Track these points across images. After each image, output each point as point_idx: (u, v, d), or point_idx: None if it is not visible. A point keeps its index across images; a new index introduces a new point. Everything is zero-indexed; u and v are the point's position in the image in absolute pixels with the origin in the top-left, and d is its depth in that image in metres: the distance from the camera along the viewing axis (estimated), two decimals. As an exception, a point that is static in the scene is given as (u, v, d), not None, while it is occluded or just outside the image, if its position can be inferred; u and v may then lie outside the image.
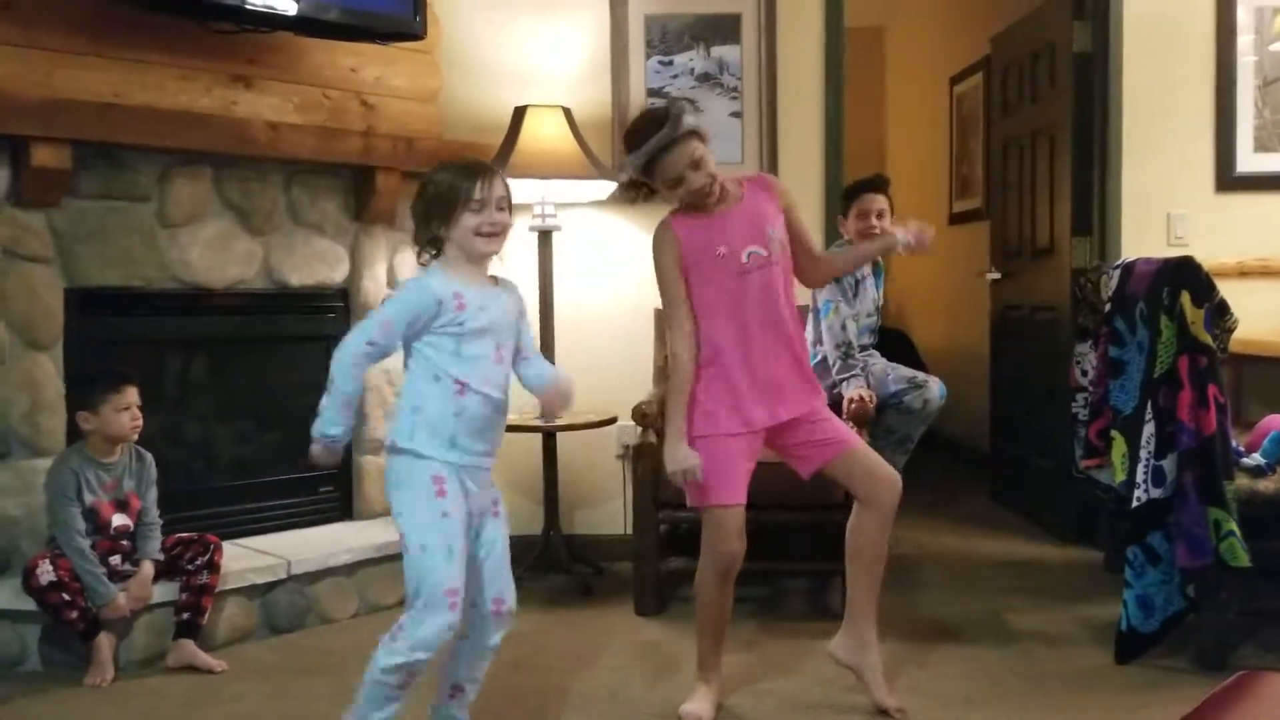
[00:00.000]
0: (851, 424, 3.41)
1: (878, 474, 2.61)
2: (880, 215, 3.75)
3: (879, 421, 3.60)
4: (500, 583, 2.32)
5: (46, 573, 2.81)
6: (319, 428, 2.21)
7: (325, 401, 2.21)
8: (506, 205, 2.26)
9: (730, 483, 2.56)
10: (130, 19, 3.16)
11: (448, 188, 2.22)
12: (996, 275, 4.95)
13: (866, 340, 3.80)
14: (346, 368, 2.20)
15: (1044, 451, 4.37)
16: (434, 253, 2.27)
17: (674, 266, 2.59)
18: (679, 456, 2.54)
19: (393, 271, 3.81)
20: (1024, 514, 4.65)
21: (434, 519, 2.18)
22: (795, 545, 3.47)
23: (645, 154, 2.51)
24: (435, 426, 2.20)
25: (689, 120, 2.51)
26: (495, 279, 2.33)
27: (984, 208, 5.54)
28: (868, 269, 3.80)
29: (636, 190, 2.64)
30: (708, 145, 2.55)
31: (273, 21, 3.31)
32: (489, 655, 2.36)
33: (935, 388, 3.75)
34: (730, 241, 2.56)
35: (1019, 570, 3.90)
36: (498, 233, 2.24)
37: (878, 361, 3.78)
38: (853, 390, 3.52)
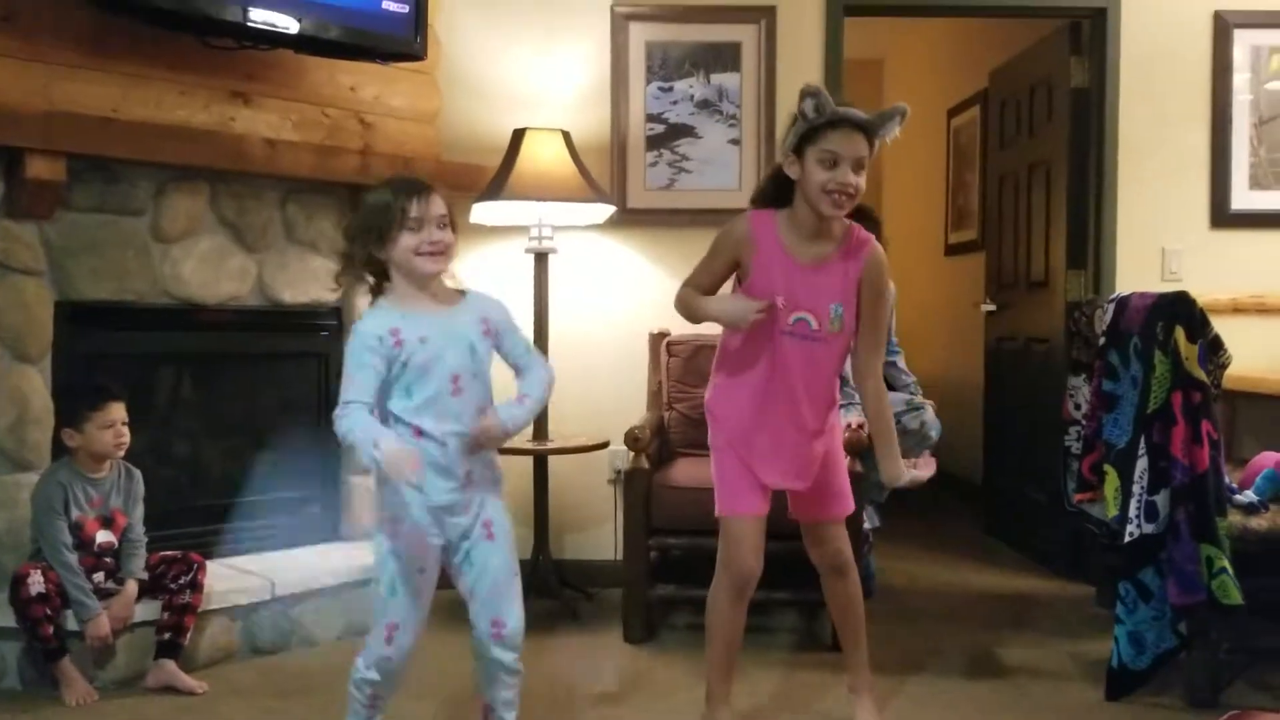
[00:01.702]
0: (848, 453, 3.40)
1: (835, 550, 2.59)
2: None
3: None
4: (499, 605, 2.26)
5: (37, 584, 2.78)
6: (365, 459, 2.05)
7: (357, 446, 2.07)
8: (448, 224, 2.19)
9: (742, 492, 2.45)
10: (131, 34, 3.16)
11: (383, 206, 2.15)
12: (991, 307, 4.95)
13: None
14: (339, 426, 2.10)
15: (1037, 484, 4.36)
16: (375, 281, 2.21)
17: (727, 253, 2.42)
18: (733, 304, 2.37)
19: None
20: (1016, 547, 4.63)
21: (384, 555, 2.21)
22: (783, 574, 3.44)
23: (832, 114, 2.27)
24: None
25: (893, 130, 2.32)
26: (461, 293, 2.26)
27: (980, 240, 5.55)
28: None
29: (773, 189, 2.42)
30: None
31: (274, 39, 3.32)
32: (505, 678, 2.30)
33: (931, 411, 3.74)
34: (793, 294, 2.37)
35: (1011, 603, 3.87)
36: (439, 251, 2.17)
37: None
38: (850, 418, 3.51)
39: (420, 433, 2.15)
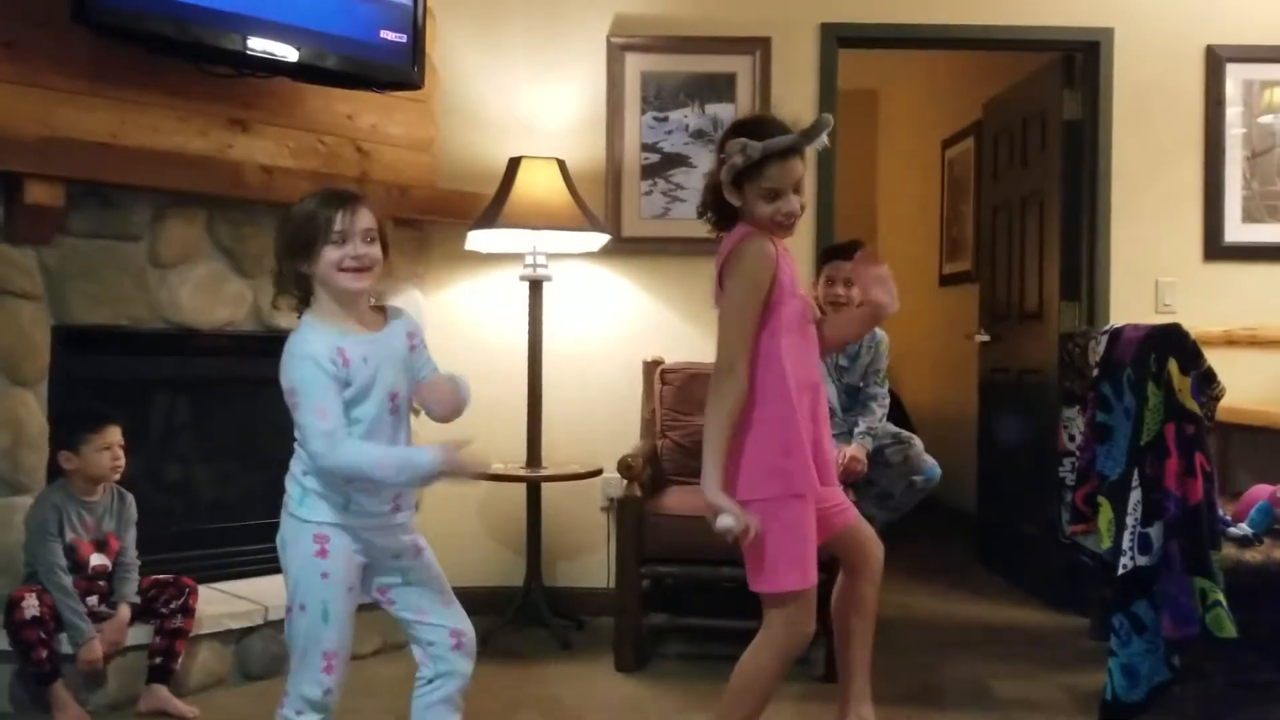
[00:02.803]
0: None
1: (870, 544, 2.53)
2: (848, 283, 3.62)
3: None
4: (454, 616, 2.21)
5: (31, 607, 2.77)
6: (428, 468, 2.01)
7: (397, 478, 2.04)
8: (375, 238, 2.08)
9: (807, 558, 2.28)
10: (130, 60, 3.18)
11: (307, 218, 2.04)
12: (985, 338, 4.97)
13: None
14: (342, 459, 2.00)
15: (1030, 515, 4.36)
16: (298, 297, 2.10)
17: (765, 284, 2.26)
18: (725, 505, 2.19)
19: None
20: (1010, 578, 4.63)
21: (314, 578, 2.08)
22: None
23: (764, 150, 2.22)
24: (327, 495, 2.08)
25: (821, 141, 2.29)
26: (382, 309, 2.16)
27: (973, 270, 5.57)
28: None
29: (715, 204, 2.34)
30: None
31: (272, 67, 3.34)
32: (461, 688, 2.22)
33: (918, 444, 3.75)
34: (795, 286, 2.34)
35: (1004, 635, 3.87)
36: (364, 267, 2.05)
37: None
38: (850, 448, 3.51)
39: None
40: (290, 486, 2.14)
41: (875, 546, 2.55)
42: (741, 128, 2.30)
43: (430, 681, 2.21)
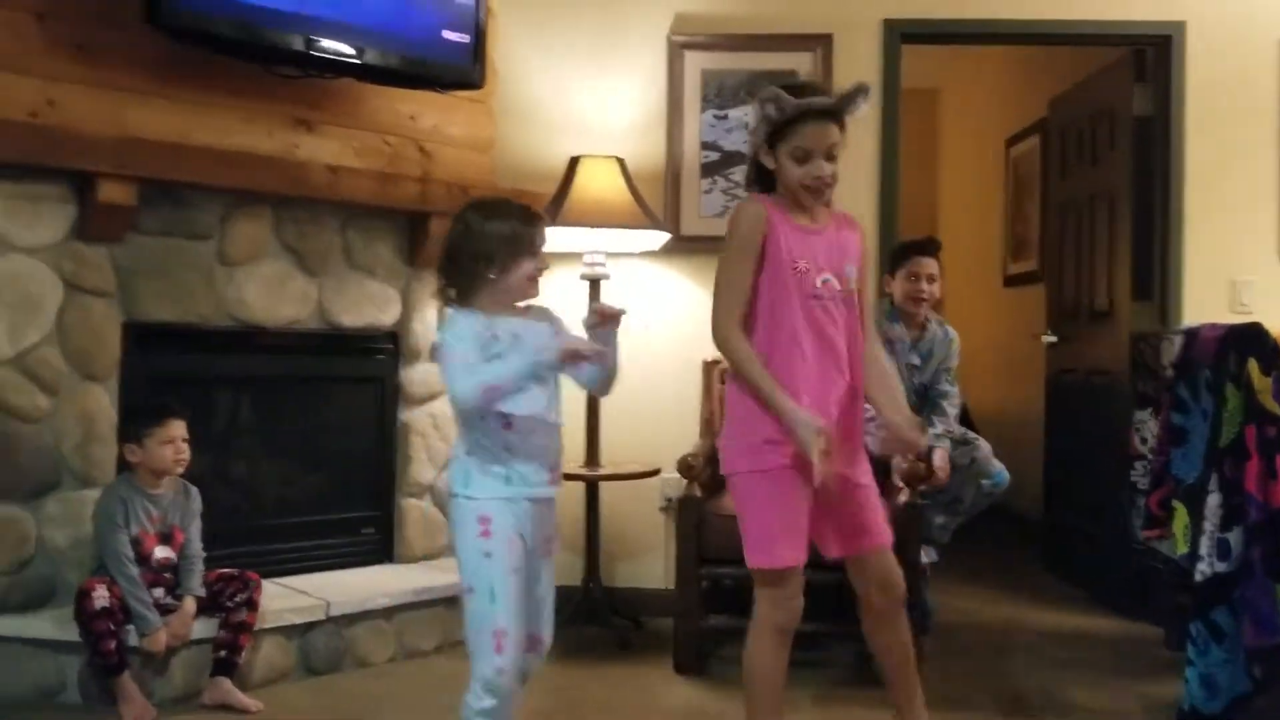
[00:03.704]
0: (902, 485, 3.35)
1: (890, 582, 2.39)
2: (930, 279, 3.67)
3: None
4: (540, 621, 2.31)
5: (102, 598, 2.82)
6: (542, 362, 2.18)
7: (514, 376, 2.16)
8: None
9: (790, 537, 2.30)
10: (200, 62, 3.22)
11: (512, 234, 2.22)
12: (1052, 339, 4.87)
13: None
14: (474, 384, 2.14)
15: (1101, 520, 4.26)
16: (459, 295, 2.25)
17: (754, 243, 2.28)
18: (805, 420, 2.18)
19: (442, 315, 3.82)
20: (1079, 585, 4.53)
21: (478, 558, 2.18)
22: (841, 608, 3.39)
23: (798, 107, 2.21)
24: (486, 466, 2.21)
25: (860, 107, 2.28)
26: (526, 308, 2.32)
27: (1040, 270, 5.47)
28: (904, 335, 3.70)
29: (757, 174, 2.35)
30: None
31: (337, 68, 3.37)
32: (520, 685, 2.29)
33: (985, 447, 3.69)
34: (813, 259, 2.30)
35: (1074, 643, 3.77)
36: (541, 276, 2.29)
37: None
38: (935, 458, 3.46)
39: (512, 422, 2.19)
40: (453, 468, 2.26)
41: (893, 590, 2.41)
42: (783, 88, 2.28)
43: None
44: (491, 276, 2.22)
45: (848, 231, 2.40)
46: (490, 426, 2.20)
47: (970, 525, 3.84)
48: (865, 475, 2.41)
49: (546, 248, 3.18)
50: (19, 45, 2.98)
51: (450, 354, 2.19)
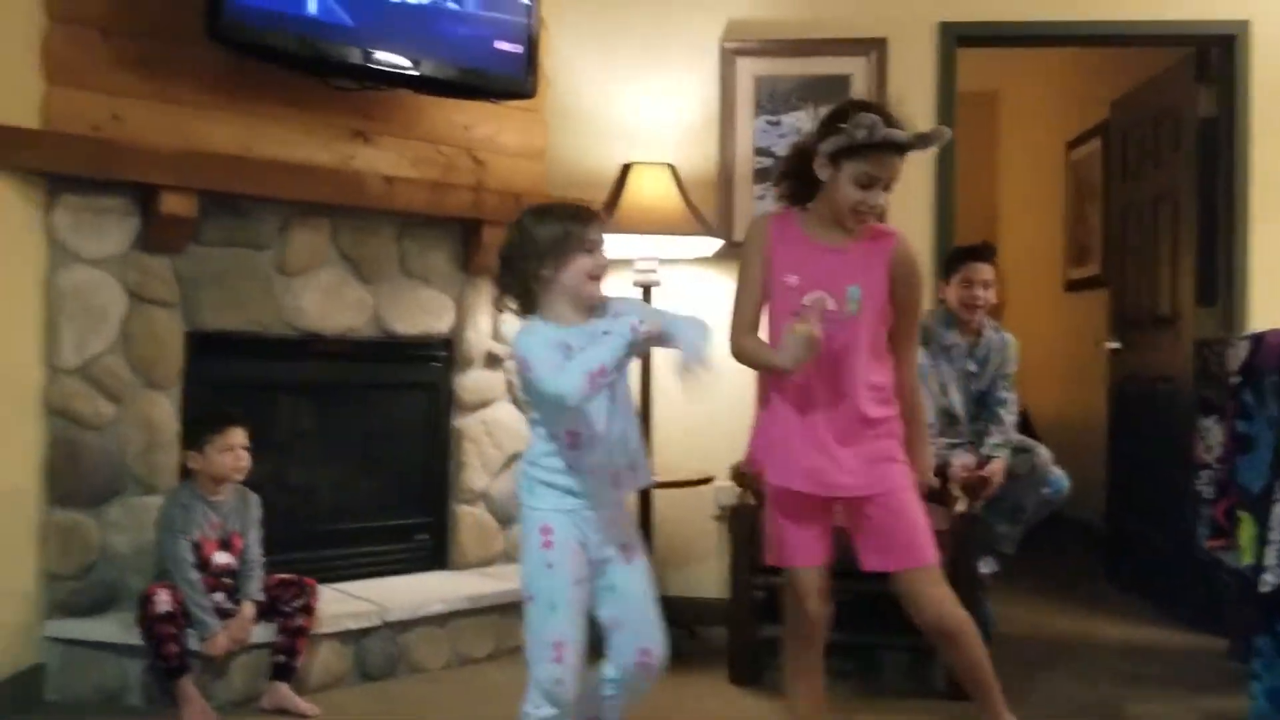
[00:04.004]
0: (960, 494, 3.31)
1: (921, 606, 2.38)
2: (986, 285, 3.62)
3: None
4: (647, 633, 2.26)
5: (164, 602, 2.87)
6: (624, 341, 2.10)
7: (599, 359, 2.09)
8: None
9: (798, 542, 2.41)
10: (259, 75, 3.29)
11: (563, 231, 2.18)
12: (1115, 345, 4.79)
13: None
14: (575, 375, 2.08)
15: (1164, 530, 4.17)
16: (521, 303, 2.23)
17: (755, 258, 2.41)
18: (786, 339, 2.26)
19: (496, 323, 3.85)
20: (1143, 596, 4.43)
21: (540, 569, 2.18)
22: (894, 618, 3.35)
23: (887, 137, 2.25)
24: (549, 478, 2.20)
25: (931, 148, 2.35)
26: (605, 301, 2.26)
27: (1102, 275, 5.38)
28: (959, 341, 3.65)
29: (796, 171, 2.39)
30: None
31: (393, 79, 3.41)
32: (627, 705, 2.32)
33: (1044, 453, 3.63)
34: (807, 274, 2.36)
35: (1137, 656, 3.69)
36: (603, 275, 2.23)
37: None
38: (963, 459, 3.42)
39: (577, 440, 2.18)
40: (520, 478, 2.26)
41: (942, 617, 2.39)
42: (868, 107, 2.30)
43: (609, 681, 2.29)
44: (545, 275, 2.18)
45: (876, 247, 2.39)
46: (555, 440, 2.19)
47: (1032, 534, 3.78)
48: (891, 489, 2.38)
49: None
50: (84, 60, 3.06)
51: (534, 361, 2.14)
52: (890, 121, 2.28)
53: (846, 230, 2.38)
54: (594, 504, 2.21)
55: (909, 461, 2.43)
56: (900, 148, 2.29)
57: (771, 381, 2.44)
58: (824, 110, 3.92)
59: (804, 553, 2.41)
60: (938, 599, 2.39)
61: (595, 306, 2.25)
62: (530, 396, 2.23)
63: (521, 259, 2.20)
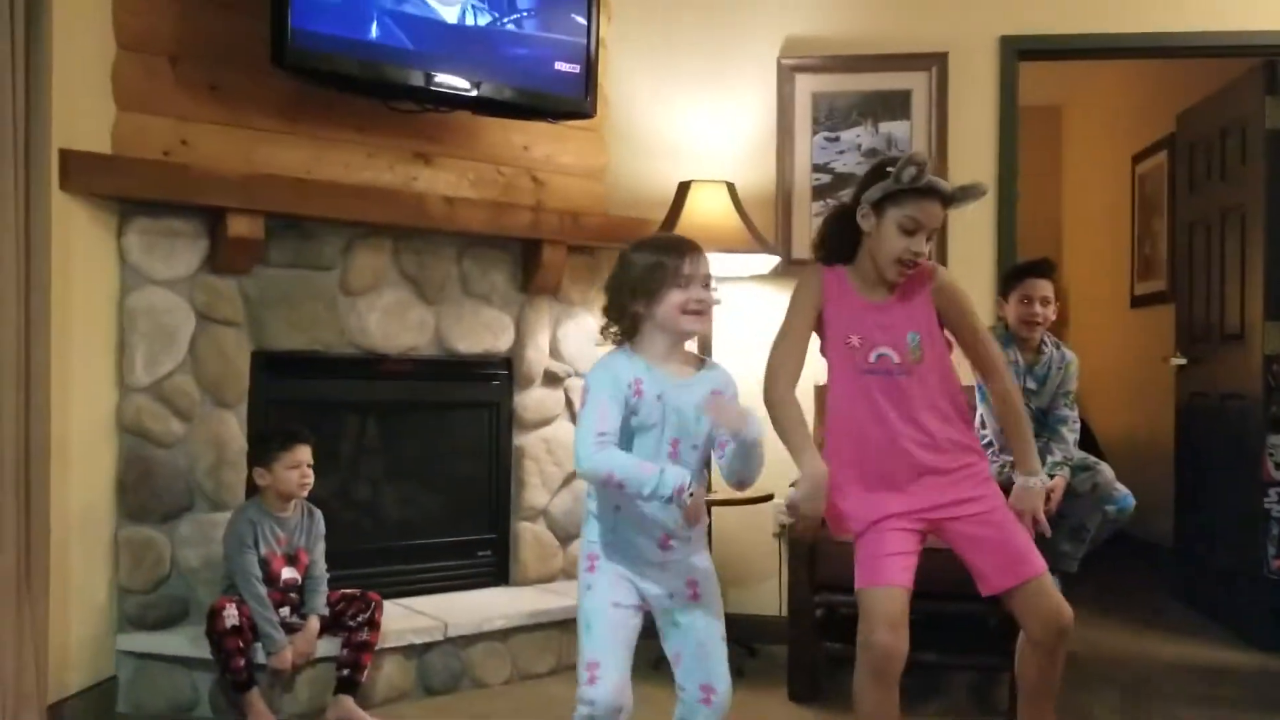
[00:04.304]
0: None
1: (1051, 614, 2.36)
2: (1045, 302, 3.56)
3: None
4: (708, 669, 2.21)
5: (232, 616, 2.93)
6: (667, 491, 2.01)
7: (638, 485, 2.02)
8: (711, 284, 2.19)
9: (873, 563, 2.38)
10: (323, 99, 3.35)
11: (655, 263, 2.14)
12: (1182, 361, 4.69)
13: None
14: (598, 462, 2.04)
15: (1233, 549, 4.07)
16: (622, 333, 2.19)
17: (807, 307, 2.45)
18: (808, 474, 2.27)
19: (555, 341, 3.88)
20: (1211, 616, 4.33)
21: (582, 591, 2.20)
22: (959, 637, 3.31)
23: (931, 183, 2.32)
24: (600, 518, 2.20)
25: (969, 202, 2.39)
26: (700, 360, 2.25)
27: (1168, 290, 5.28)
28: (1019, 359, 3.60)
29: (837, 231, 2.45)
30: None
31: (453, 101, 3.47)
32: None
33: (1107, 471, 3.56)
34: (866, 333, 2.41)
35: (1205, 678, 3.61)
36: (704, 310, 2.16)
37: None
38: (1053, 483, 3.37)
39: (616, 496, 2.14)
40: (583, 508, 2.27)
41: (1050, 620, 2.37)
42: (911, 159, 2.34)
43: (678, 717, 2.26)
44: (639, 310, 2.15)
45: (918, 288, 2.43)
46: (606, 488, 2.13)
47: (1097, 553, 3.71)
48: (991, 507, 2.41)
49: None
50: (155, 87, 3.14)
51: (588, 396, 2.12)
52: (930, 169, 2.34)
53: (889, 284, 2.43)
54: (638, 559, 2.17)
55: (1021, 463, 2.48)
56: (944, 196, 2.35)
57: (843, 430, 2.46)
58: (884, 126, 3.98)
59: (882, 572, 2.36)
60: (1058, 602, 2.39)
61: (692, 358, 2.22)
62: None
63: (619, 291, 2.18)
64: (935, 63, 3.98)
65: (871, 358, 2.40)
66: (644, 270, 2.15)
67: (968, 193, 2.37)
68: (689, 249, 2.18)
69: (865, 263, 2.44)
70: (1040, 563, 2.40)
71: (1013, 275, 3.69)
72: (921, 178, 2.31)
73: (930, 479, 2.40)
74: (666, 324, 2.15)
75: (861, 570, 2.39)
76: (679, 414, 2.15)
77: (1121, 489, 3.59)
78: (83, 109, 2.97)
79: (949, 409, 2.44)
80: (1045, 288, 3.59)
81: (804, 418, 2.40)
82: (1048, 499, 3.35)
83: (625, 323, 2.18)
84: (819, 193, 4.04)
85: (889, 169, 2.35)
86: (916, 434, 2.40)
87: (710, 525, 3.75)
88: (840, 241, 2.46)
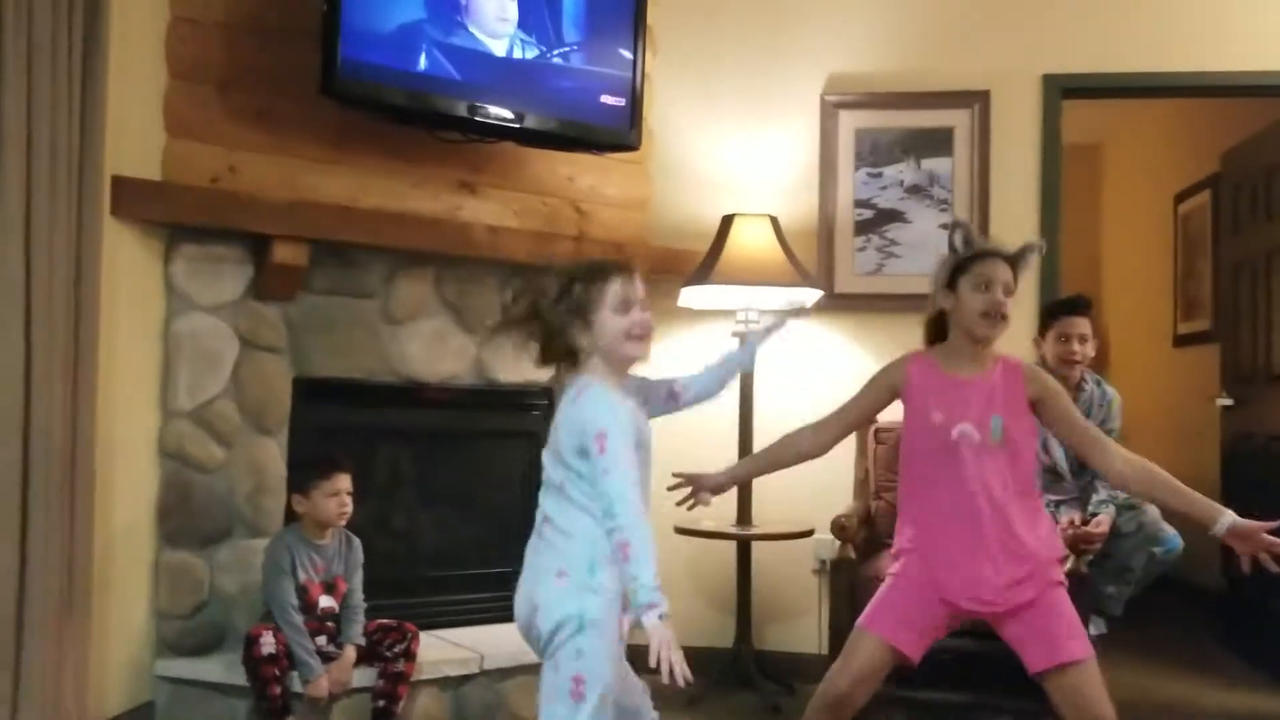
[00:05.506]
0: (1066, 549, 3.20)
1: (1081, 707, 2.35)
2: (1082, 340, 3.52)
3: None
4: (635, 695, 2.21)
5: (268, 644, 2.91)
6: (651, 599, 1.91)
7: (639, 569, 1.91)
8: (647, 305, 2.10)
9: (884, 609, 2.42)
10: (368, 128, 3.37)
11: (589, 289, 2.05)
12: (1228, 401, 4.62)
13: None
14: (642, 525, 1.93)
15: (1284, 596, 3.98)
16: (567, 360, 2.09)
17: (881, 391, 2.55)
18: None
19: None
20: (1260, 663, 4.22)
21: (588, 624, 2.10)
22: (994, 677, 3.24)
23: (981, 248, 2.47)
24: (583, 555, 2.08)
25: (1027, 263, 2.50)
26: (627, 379, 2.17)
27: (1213, 330, 5.21)
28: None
29: (932, 328, 2.56)
30: None
31: (499, 132, 3.48)
32: None
33: (1153, 511, 3.50)
34: (949, 410, 2.43)
35: (1258, 726, 3.53)
36: (647, 335, 2.08)
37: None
38: (1071, 514, 3.32)
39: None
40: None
41: (1078, 690, 2.35)
42: (965, 224, 2.55)
43: None
44: (581, 342, 2.06)
45: (1011, 378, 2.46)
46: (591, 519, 2.04)
47: (1143, 597, 3.64)
48: (1042, 591, 2.39)
49: (700, 304, 3.20)
50: (203, 115, 3.17)
51: (615, 445, 1.96)
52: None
53: (979, 359, 2.47)
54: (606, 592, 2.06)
55: (1206, 515, 2.49)
56: (1005, 254, 2.47)
57: (921, 499, 2.48)
58: (925, 163, 3.98)
59: (879, 618, 2.41)
60: (1100, 696, 2.37)
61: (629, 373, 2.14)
62: (581, 468, 2.02)
63: (556, 320, 2.09)
64: (978, 100, 3.98)
65: (954, 434, 2.42)
66: (580, 297, 2.05)
67: (1025, 253, 2.49)
68: (623, 269, 2.08)
69: (956, 339, 2.50)
70: (1087, 648, 2.37)
71: (1049, 313, 3.65)
72: (974, 241, 2.47)
73: (998, 569, 2.38)
74: (612, 352, 2.07)
75: (870, 607, 2.45)
76: (648, 433, 2.12)
77: (1169, 529, 3.52)
78: (135, 136, 3.00)
79: (1025, 498, 2.44)
80: (1082, 325, 3.54)
81: (772, 453, 2.69)
82: (1092, 538, 3.31)
83: (564, 354, 2.09)
84: (861, 228, 4.03)
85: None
86: (999, 517, 2.39)
87: (749, 560, 3.72)
88: (935, 331, 2.56)
